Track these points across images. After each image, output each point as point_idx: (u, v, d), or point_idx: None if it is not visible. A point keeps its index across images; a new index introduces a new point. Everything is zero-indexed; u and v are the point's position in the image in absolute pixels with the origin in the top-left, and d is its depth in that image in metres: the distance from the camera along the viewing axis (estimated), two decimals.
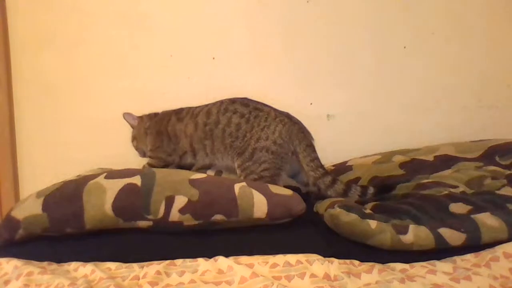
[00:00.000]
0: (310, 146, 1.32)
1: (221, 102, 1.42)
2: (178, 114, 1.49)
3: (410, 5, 1.81)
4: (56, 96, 1.82)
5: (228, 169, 1.42)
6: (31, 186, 1.76)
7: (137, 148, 1.59)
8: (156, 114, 1.56)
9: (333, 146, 1.71)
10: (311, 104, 1.84)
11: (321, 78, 1.84)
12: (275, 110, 1.37)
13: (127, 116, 1.57)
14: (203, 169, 1.46)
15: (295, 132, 1.32)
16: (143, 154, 1.58)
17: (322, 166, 1.30)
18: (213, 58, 1.81)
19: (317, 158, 1.31)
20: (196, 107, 1.47)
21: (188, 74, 1.82)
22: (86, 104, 1.83)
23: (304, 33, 1.81)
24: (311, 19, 1.80)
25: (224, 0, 1.80)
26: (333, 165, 1.66)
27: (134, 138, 1.58)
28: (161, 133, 1.50)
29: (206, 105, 1.44)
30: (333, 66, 1.83)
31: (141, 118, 1.57)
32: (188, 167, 1.46)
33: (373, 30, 1.82)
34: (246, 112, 1.36)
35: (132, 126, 1.59)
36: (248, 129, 1.34)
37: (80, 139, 1.83)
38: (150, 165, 1.50)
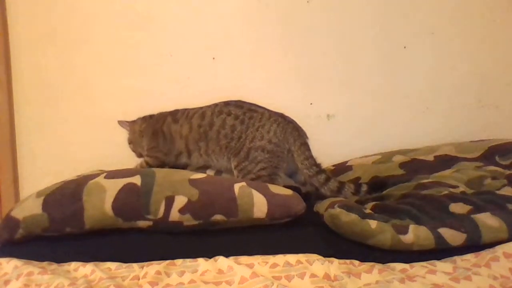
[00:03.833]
0: (304, 144, 1.32)
1: (215, 104, 1.43)
2: (174, 115, 1.50)
3: (410, 5, 1.81)
4: (56, 96, 1.82)
5: (225, 169, 1.42)
6: (31, 186, 1.75)
7: (134, 150, 1.60)
8: (151, 116, 1.57)
9: (333, 146, 1.72)
10: (311, 104, 1.84)
11: (321, 78, 1.83)
12: (269, 111, 1.38)
13: (121, 123, 1.60)
14: (200, 169, 1.46)
15: (290, 130, 1.33)
16: (139, 156, 1.59)
17: (316, 164, 1.31)
18: (213, 59, 1.80)
19: (311, 157, 1.31)
20: (191, 109, 1.48)
21: (188, 74, 1.81)
22: (86, 104, 1.82)
23: (304, 33, 1.81)
24: (311, 19, 1.80)
25: (224, 0, 1.80)
26: (333, 165, 1.66)
27: (130, 142, 1.60)
28: (156, 133, 1.51)
29: (201, 108, 1.45)
30: (333, 66, 1.83)
31: (134, 122, 1.59)
32: (183, 168, 1.47)
33: (373, 30, 1.82)
34: (240, 113, 1.37)
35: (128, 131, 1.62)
36: (243, 130, 1.35)
37: (80, 139, 1.83)
38: (147, 163, 1.51)
